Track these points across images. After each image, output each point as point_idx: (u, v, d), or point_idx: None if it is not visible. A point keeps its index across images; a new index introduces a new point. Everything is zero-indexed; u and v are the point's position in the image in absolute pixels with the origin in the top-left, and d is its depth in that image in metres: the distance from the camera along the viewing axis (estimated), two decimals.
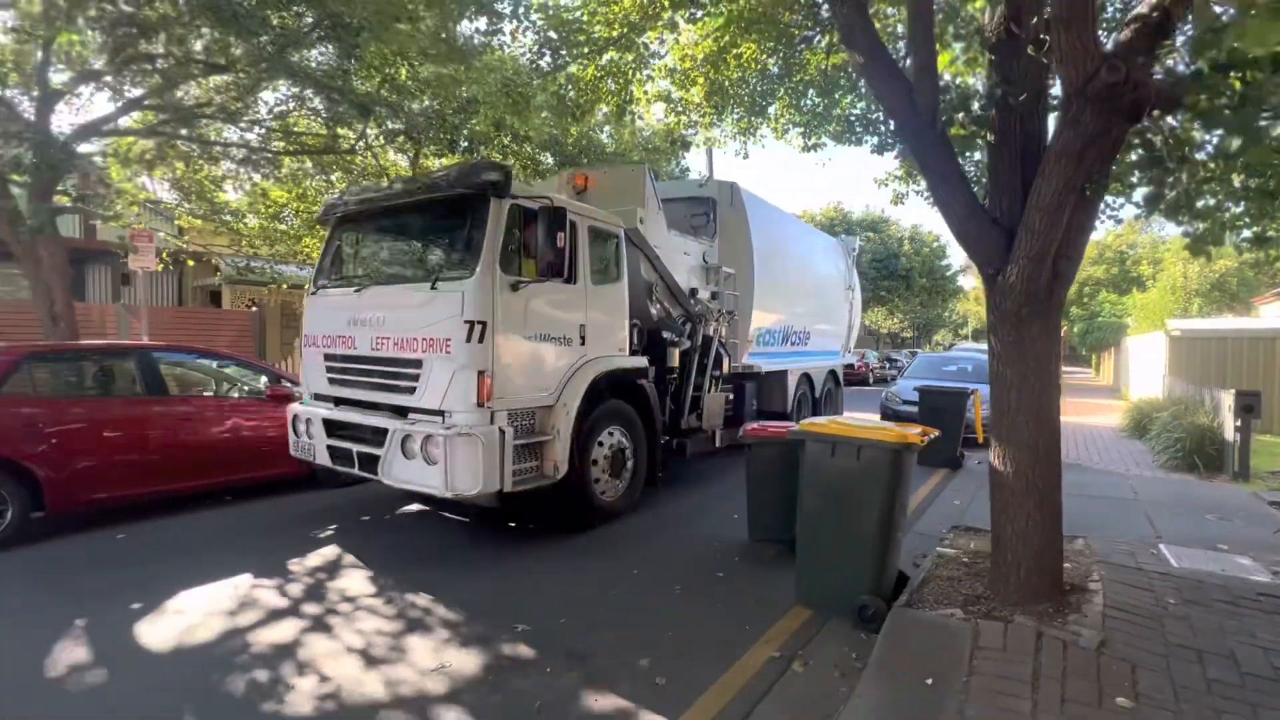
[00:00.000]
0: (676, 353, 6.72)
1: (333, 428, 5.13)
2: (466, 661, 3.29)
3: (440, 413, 4.48)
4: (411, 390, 4.63)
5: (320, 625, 3.69)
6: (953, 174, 3.40)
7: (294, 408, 5.61)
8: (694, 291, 7.00)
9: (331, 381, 5.32)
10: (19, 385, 5.27)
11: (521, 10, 6.40)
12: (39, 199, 6.70)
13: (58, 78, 7.38)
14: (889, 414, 11.56)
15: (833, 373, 11.11)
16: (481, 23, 6.28)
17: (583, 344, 5.27)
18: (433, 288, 4.58)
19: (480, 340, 4.38)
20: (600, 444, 5.46)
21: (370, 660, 3.29)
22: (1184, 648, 3.19)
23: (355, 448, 4.87)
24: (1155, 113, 2.88)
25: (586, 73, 6.61)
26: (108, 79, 7.06)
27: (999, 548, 3.77)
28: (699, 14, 6.15)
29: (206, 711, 2.86)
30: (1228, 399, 7.93)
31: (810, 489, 3.96)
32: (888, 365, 28.69)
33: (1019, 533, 3.63)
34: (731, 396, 7.81)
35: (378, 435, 4.71)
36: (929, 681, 2.97)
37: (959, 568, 4.32)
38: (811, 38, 6.06)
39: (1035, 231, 3.17)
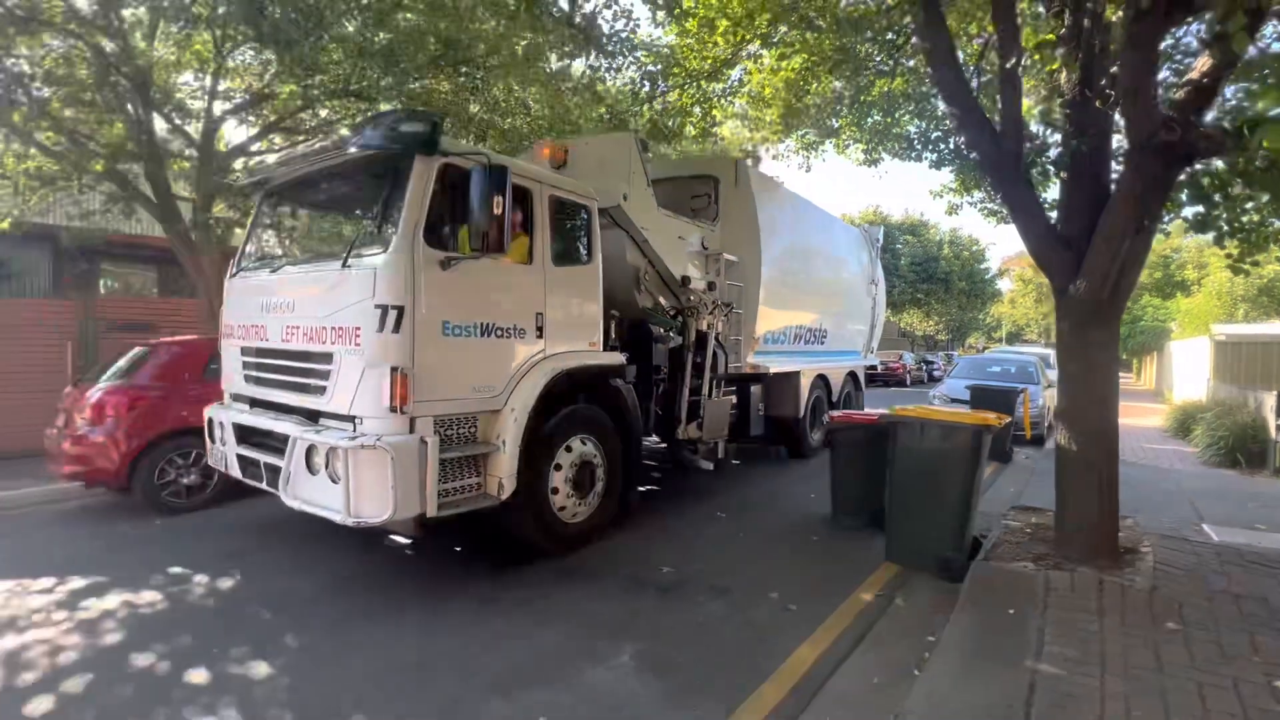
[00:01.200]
0: (665, 350, 5.99)
1: (244, 434, 4.45)
2: (638, 590, 4.19)
3: (351, 418, 3.75)
4: (322, 390, 3.91)
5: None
6: (1031, 205, 4.16)
7: (209, 410, 4.93)
8: (686, 280, 6.10)
9: (247, 379, 4.62)
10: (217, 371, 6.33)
11: (625, 48, 7.32)
12: (203, 212, 7.81)
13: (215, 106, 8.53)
14: None
15: (852, 375, 10.15)
16: (591, 57, 7.16)
17: (540, 336, 4.46)
18: (344, 266, 3.81)
19: (396, 329, 3.61)
20: (562, 457, 4.66)
21: (560, 586, 4.21)
22: (1223, 592, 3.91)
23: (263, 458, 4.20)
24: (1202, 161, 3.61)
25: (681, 100, 7.47)
26: (262, 107, 8.17)
27: (1062, 514, 4.51)
28: (786, 50, 6.94)
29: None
30: (1270, 399, 8.45)
31: (900, 465, 4.73)
32: (924, 367, 29.09)
33: (1081, 501, 4.37)
34: (734, 400, 7.10)
35: (286, 444, 3.98)
36: (1011, 611, 3.74)
37: (1024, 535, 5.05)
38: (887, 72, 6.80)
39: (1101, 254, 3.92)
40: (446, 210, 3.94)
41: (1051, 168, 4.05)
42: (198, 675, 3.08)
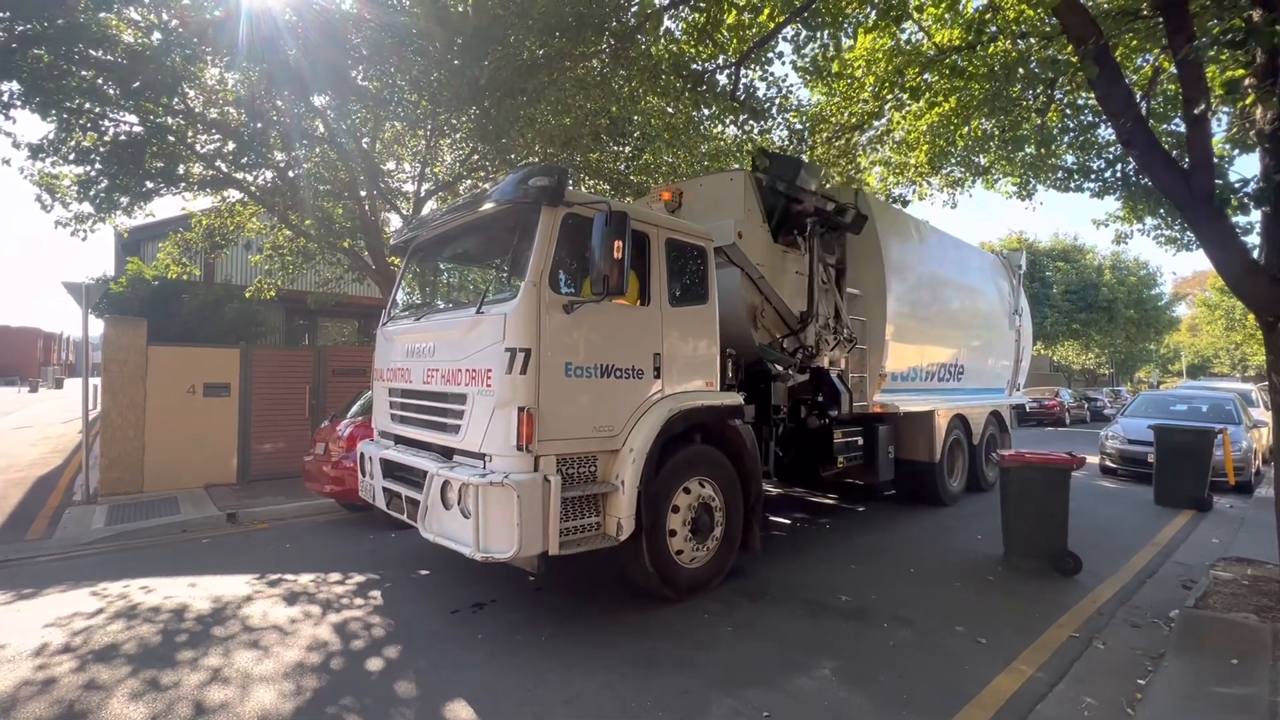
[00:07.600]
0: (784, 388, 6.00)
1: (390, 468, 4.81)
2: (822, 614, 4.49)
3: (481, 456, 3.98)
4: (457, 429, 4.17)
5: None
6: (1229, 240, 4.08)
7: (361, 445, 5.38)
8: (805, 316, 6.15)
9: (393, 418, 5.02)
10: None
11: (776, 111, 7.95)
12: None
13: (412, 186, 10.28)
14: (1111, 454, 11.17)
15: (996, 414, 9.41)
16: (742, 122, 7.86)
17: (657, 377, 4.53)
18: (478, 312, 4.10)
19: (523, 371, 3.81)
20: (680, 499, 4.63)
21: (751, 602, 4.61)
22: None
23: (405, 492, 4.53)
24: None
25: (826, 154, 7.90)
26: (456, 186, 9.75)
27: None
28: (934, 98, 7.18)
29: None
30: None
31: None
32: (1085, 405, 26.30)
33: None
34: (861, 441, 6.92)
35: (424, 479, 4.26)
36: (1234, 661, 3.59)
37: (1240, 587, 4.71)
38: (1040, 109, 6.80)
39: None
40: (570, 257, 4.19)
41: (1250, 201, 3.98)
42: (477, 650, 3.85)
